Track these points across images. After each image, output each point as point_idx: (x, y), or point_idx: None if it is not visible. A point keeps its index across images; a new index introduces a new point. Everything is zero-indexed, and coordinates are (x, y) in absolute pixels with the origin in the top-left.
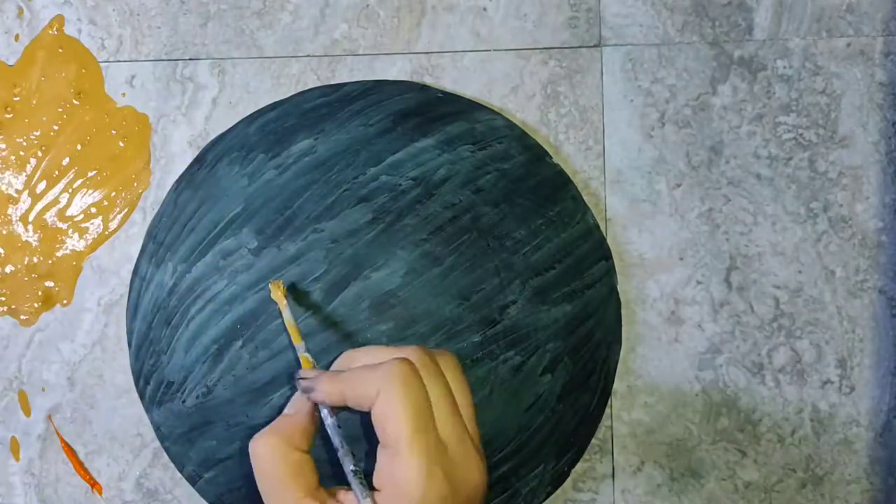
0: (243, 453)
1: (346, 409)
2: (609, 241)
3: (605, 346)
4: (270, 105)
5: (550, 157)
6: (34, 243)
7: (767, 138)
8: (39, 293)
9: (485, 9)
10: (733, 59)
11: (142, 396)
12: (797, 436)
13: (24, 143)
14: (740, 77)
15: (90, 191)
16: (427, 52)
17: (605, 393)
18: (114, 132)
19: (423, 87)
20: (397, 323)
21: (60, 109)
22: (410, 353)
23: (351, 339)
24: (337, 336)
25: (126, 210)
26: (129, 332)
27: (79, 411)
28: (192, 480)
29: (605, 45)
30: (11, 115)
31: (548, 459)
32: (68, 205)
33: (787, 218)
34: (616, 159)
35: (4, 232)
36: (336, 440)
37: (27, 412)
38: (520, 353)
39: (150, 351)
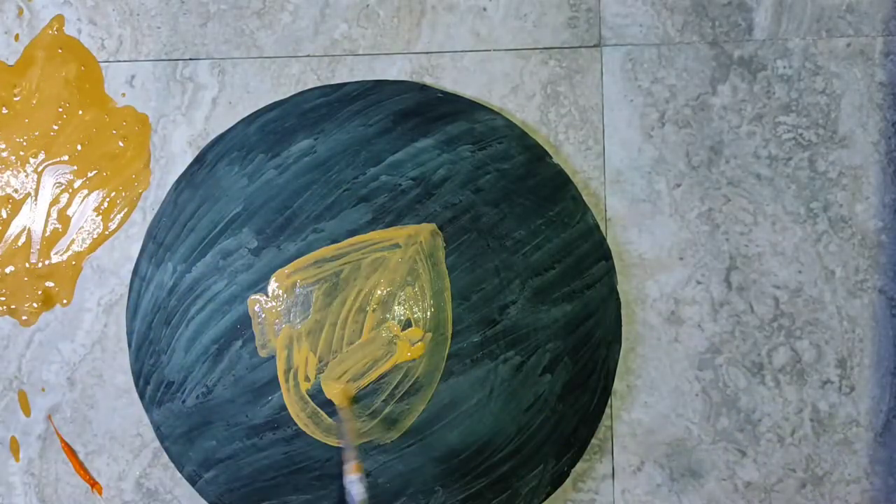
0: (243, 453)
1: None
2: (609, 241)
3: (605, 346)
4: (270, 105)
5: (550, 157)
6: (34, 243)
7: (767, 138)
8: (39, 293)
9: (485, 9)
10: (733, 59)
11: (142, 396)
12: (797, 436)
13: (24, 143)
14: (740, 77)
15: (90, 191)
16: (427, 52)
17: (605, 393)
18: (114, 132)
19: (423, 87)
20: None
21: (60, 109)
22: None
23: None
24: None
25: (126, 210)
26: (129, 332)
27: (79, 411)
28: (192, 480)
29: (605, 45)
30: (8, 112)
31: (548, 459)
32: (68, 205)
33: (787, 218)
34: (616, 159)
35: (4, 232)
36: None
37: (27, 412)
38: (520, 352)
39: (150, 351)
